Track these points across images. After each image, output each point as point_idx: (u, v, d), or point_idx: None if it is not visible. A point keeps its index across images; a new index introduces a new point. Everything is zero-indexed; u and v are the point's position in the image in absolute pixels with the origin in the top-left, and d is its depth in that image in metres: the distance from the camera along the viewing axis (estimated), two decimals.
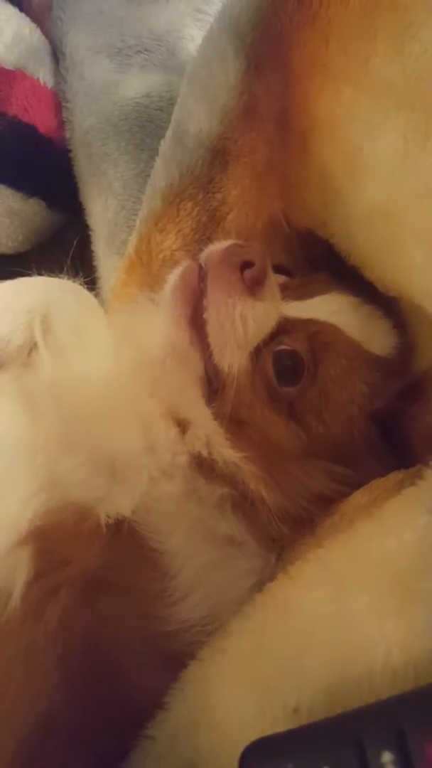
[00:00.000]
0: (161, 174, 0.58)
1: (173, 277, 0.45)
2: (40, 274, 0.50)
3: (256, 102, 0.50)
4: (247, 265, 0.42)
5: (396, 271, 0.42)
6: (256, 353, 0.43)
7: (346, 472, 0.43)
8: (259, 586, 0.39)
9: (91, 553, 0.36)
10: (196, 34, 0.74)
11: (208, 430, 0.42)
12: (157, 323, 0.46)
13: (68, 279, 0.46)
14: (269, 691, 0.31)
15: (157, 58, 0.71)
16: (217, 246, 0.45)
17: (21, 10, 0.81)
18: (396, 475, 0.38)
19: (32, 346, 0.42)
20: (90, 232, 0.70)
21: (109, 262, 0.67)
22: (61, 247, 0.74)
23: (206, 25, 0.75)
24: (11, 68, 0.67)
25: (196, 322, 0.43)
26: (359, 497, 0.39)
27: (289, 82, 0.45)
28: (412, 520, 0.29)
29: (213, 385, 0.44)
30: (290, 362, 0.43)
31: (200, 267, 0.44)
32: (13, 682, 0.34)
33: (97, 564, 0.36)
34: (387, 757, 0.21)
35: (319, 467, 0.43)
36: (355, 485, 0.42)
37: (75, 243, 0.67)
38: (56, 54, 0.72)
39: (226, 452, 0.41)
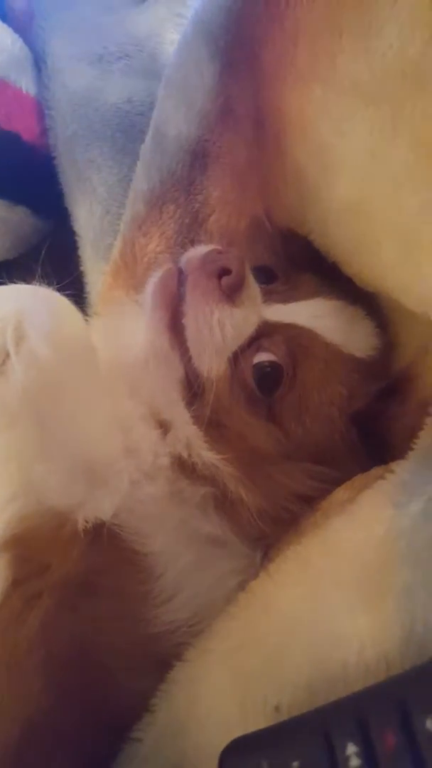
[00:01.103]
0: (142, 178, 0.59)
1: (153, 280, 0.45)
2: (25, 282, 0.50)
3: (232, 103, 0.50)
4: (224, 272, 0.42)
5: (372, 268, 0.42)
6: (235, 358, 0.43)
7: (327, 472, 0.43)
8: (245, 584, 0.39)
9: (71, 558, 0.37)
10: (176, 39, 0.75)
11: (187, 432, 0.42)
12: (140, 326, 0.47)
13: (45, 285, 0.46)
14: (251, 690, 0.31)
15: (139, 63, 0.71)
16: (196, 251, 0.45)
17: (4, 20, 0.82)
18: (377, 471, 0.38)
19: (6, 355, 0.42)
20: (77, 238, 0.70)
21: (96, 267, 0.68)
22: (48, 254, 0.75)
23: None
24: None
25: (176, 326, 0.43)
26: (340, 494, 0.39)
27: (261, 82, 0.45)
28: (380, 513, 0.29)
29: (193, 388, 0.44)
30: (270, 371, 0.44)
31: (180, 271, 0.44)
32: (6, 690, 0.34)
33: (77, 569, 0.37)
34: (351, 749, 0.21)
35: (299, 468, 0.43)
36: (338, 483, 0.42)
37: (61, 249, 0.68)
38: (38, 63, 0.72)
39: (205, 454, 0.42)
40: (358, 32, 0.36)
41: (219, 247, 0.45)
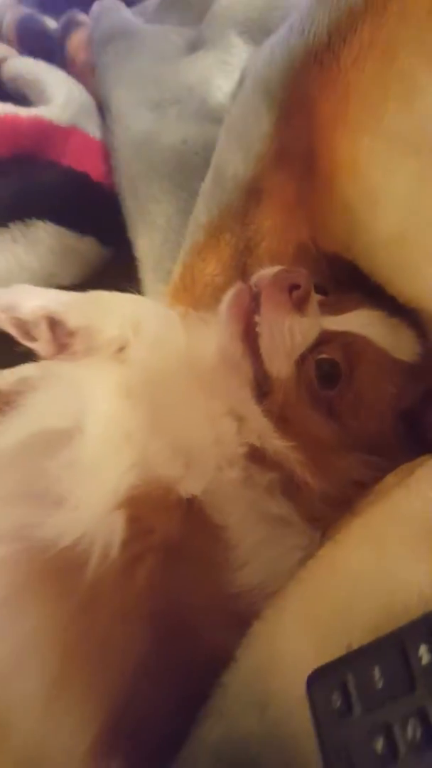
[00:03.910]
0: (203, 211, 0.67)
1: (228, 297, 0.53)
2: None
3: (285, 148, 0.58)
4: (294, 287, 0.50)
5: (413, 288, 0.49)
6: (300, 361, 0.50)
7: (379, 461, 0.50)
8: (307, 559, 0.46)
9: (171, 524, 0.44)
10: (223, 84, 0.83)
11: (259, 425, 0.50)
12: (209, 337, 0.54)
13: None
14: (325, 635, 0.38)
15: (191, 107, 0.80)
16: (268, 271, 0.52)
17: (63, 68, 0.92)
18: (421, 459, 0.45)
19: (120, 346, 0.51)
20: (137, 263, 0.79)
21: (155, 288, 0.75)
22: (109, 277, 0.83)
23: (232, 74, 0.85)
24: (65, 125, 0.76)
25: (248, 336, 0.51)
26: (390, 479, 0.46)
27: (314, 131, 0.53)
28: None
29: (262, 388, 0.51)
30: (330, 369, 0.51)
31: (251, 288, 0.52)
32: (115, 630, 0.41)
33: (174, 534, 0.44)
34: (423, 648, 0.27)
35: (355, 457, 0.50)
36: (387, 471, 0.49)
37: (121, 274, 0.77)
38: (102, 109, 0.81)
39: (276, 442, 0.49)
40: (404, 96, 0.44)
41: (287, 267, 0.53)
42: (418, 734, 0.26)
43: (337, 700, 0.31)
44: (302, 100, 0.53)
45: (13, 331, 0.54)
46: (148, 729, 0.41)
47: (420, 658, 0.28)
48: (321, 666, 0.34)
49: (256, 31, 0.87)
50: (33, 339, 0.53)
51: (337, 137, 0.50)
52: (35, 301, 0.53)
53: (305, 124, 0.54)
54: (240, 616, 0.44)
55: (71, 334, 0.53)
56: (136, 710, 0.41)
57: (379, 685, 0.29)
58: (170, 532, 0.44)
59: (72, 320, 0.53)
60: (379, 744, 0.28)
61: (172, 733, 0.41)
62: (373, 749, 0.28)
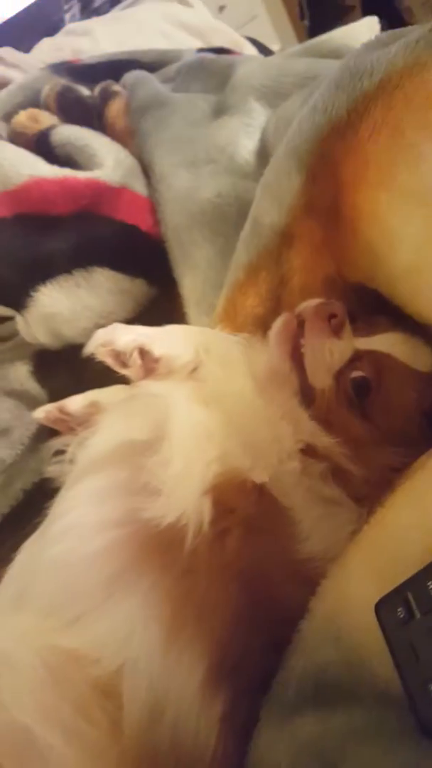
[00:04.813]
0: (243, 254, 0.79)
1: (277, 324, 0.65)
2: None
3: (313, 201, 0.71)
4: (332, 316, 0.62)
5: (427, 310, 0.62)
6: (338, 375, 0.63)
7: (406, 451, 0.62)
8: (358, 530, 0.57)
9: (248, 505, 0.55)
10: (248, 143, 0.96)
11: (309, 426, 0.61)
12: (262, 355, 0.67)
13: None
14: (384, 578, 0.48)
15: (222, 165, 0.93)
16: (310, 302, 0.65)
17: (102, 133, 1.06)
18: None
19: (194, 367, 0.63)
20: (182, 300, 0.91)
21: (199, 320, 0.88)
22: (158, 312, 0.96)
23: (253, 134, 0.98)
24: (117, 186, 0.90)
25: (295, 355, 0.63)
26: (419, 462, 0.57)
27: (339, 188, 0.65)
28: None
29: (308, 397, 0.63)
30: (362, 382, 0.63)
31: (296, 317, 0.64)
32: (211, 589, 0.52)
33: (251, 512, 0.55)
34: None
35: (387, 449, 0.62)
36: (413, 458, 0.60)
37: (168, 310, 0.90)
38: (146, 171, 0.95)
39: (324, 439, 0.61)
40: (411, 161, 0.56)
41: (326, 300, 0.65)
42: None
43: (401, 612, 0.42)
44: (327, 164, 0.66)
45: (110, 362, 0.66)
46: (245, 667, 0.52)
47: None
48: (385, 594, 0.45)
49: (272, 96, 1.02)
50: (126, 366, 0.66)
51: (359, 193, 0.63)
52: (127, 336, 0.66)
53: (330, 182, 0.67)
54: (309, 577, 0.55)
55: (156, 360, 0.65)
56: (234, 653, 0.52)
57: None
58: (247, 511, 0.55)
59: (156, 349, 0.65)
60: None
61: (264, 670, 0.52)
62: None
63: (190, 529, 0.54)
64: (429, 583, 0.41)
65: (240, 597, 0.53)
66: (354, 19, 1.22)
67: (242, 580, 0.53)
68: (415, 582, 0.42)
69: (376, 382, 0.63)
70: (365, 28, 1.20)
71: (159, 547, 0.54)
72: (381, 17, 1.21)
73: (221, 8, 3.02)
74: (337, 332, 0.62)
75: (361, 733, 0.43)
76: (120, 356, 0.66)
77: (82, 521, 0.57)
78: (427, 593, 0.41)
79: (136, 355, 0.65)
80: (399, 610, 0.42)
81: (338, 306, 0.63)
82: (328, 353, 0.62)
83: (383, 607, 0.45)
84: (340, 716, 0.45)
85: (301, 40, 3.05)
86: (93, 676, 0.48)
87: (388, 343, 0.64)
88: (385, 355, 0.64)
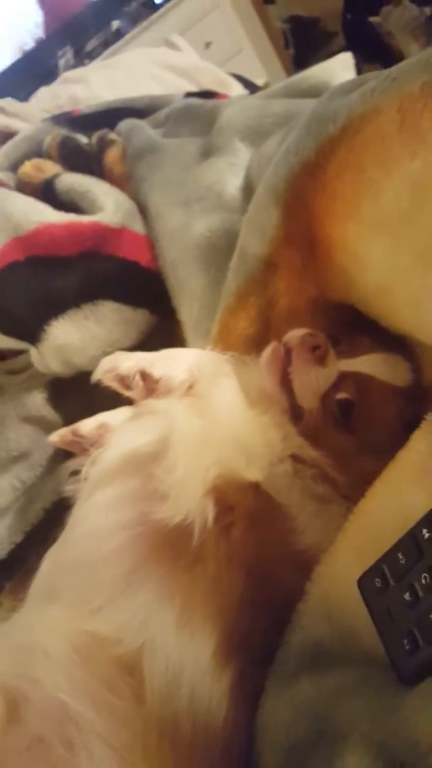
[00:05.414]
0: (232, 281, 0.87)
1: (266, 352, 0.73)
2: None
3: (291, 232, 0.79)
4: (316, 347, 0.70)
5: (398, 321, 0.69)
6: (324, 397, 0.70)
7: (387, 456, 0.69)
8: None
9: (246, 502, 0.63)
10: (234, 181, 1.06)
11: (297, 441, 0.69)
12: (251, 371, 0.75)
13: None
14: (366, 558, 0.56)
15: (211, 202, 1.02)
16: (295, 332, 0.72)
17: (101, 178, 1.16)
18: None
19: (190, 384, 0.71)
20: (181, 326, 0.99)
21: (196, 343, 0.96)
22: (159, 338, 1.04)
23: (239, 172, 1.07)
24: (118, 227, 0.99)
25: (284, 381, 0.71)
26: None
27: (312, 221, 0.74)
28: (416, 445, 0.56)
29: (296, 415, 0.71)
30: (346, 403, 0.70)
31: (284, 345, 0.72)
32: (219, 575, 0.59)
33: (250, 509, 0.62)
34: (425, 531, 0.46)
35: (372, 458, 0.69)
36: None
37: (168, 335, 0.98)
38: (143, 211, 1.04)
39: (310, 452, 0.68)
40: (372, 194, 0.65)
41: (310, 331, 0.73)
42: (429, 580, 0.45)
43: (378, 582, 0.49)
44: (301, 200, 0.74)
45: (116, 386, 0.75)
46: (250, 644, 0.59)
47: (424, 536, 0.46)
48: (365, 571, 0.52)
49: (254, 136, 1.11)
50: (130, 389, 0.74)
51: (330, 225, 0.71)
52: (129, 361, 0.74)
53: (305, 216, 0.75)
54: (306, 565, 0.62)
55: (156, 381, 0.73)
56: (240, 631, 0.58)
57: (402, 562, 0.47)
58: (246, 507, 0.63)
59: (156, 371, 0.73)
60: (407, 595, 0.46)
61: (267, 647, 0.59)
62: (404, 601, 0.46)
63: (196, 526, 0.61)
64: (399, 555, 0.48)
65: (245, 581, 0.60)
66: (337, 45, 1.32)
67: (247, 566, 0.61)
68: (389, 556, 0.50)
69: (359, 402, 0.70)
70: (340, 64, 1.31)
71: (169, 543, 0.61)
72: (362, 41, 1.31)
73: (207, 44, 3.16)
74: (320, 361, 0.70)
75: (350, 688, 0.49)
76: (124, 380, 0.74)
77: (99, 525, 0.65)
78: (398, 564, 0.48)
79: (138, 378, 0.73)
80: (377, 580, 0.50)
81: (321, 338, 0.71)
82: (314, 380, 0.69)
83: (364, 581, 0.52)
84: (331, 677, 0.51)
85: (286, 67, 3.20)
86: (116, 655, 0.55)
87: (369, 364, 0.72)
88: (367, 377, 0.71)
